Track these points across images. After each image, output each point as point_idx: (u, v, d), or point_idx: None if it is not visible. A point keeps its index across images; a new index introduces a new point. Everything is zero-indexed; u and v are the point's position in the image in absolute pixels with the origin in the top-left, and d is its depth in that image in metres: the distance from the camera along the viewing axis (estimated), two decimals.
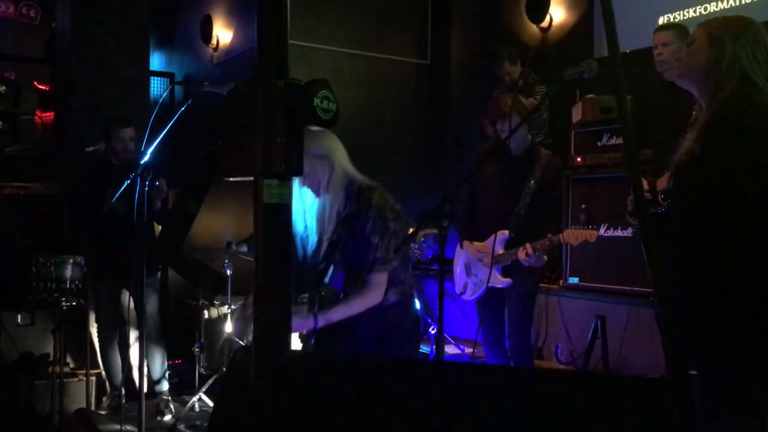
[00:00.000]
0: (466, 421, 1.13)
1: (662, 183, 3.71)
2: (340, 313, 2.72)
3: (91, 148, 4.32)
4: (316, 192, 2.82)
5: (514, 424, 1.14)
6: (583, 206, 4.24)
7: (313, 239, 2.85)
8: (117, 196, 2.99)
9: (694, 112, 3.47)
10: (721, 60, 2.12)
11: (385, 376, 1.24)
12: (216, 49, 7.29)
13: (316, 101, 1.29)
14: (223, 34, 7.20)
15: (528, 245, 3.80)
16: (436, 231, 2.40)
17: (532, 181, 3.90)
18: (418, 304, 5.26)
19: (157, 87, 8.39)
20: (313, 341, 2.93)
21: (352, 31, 6.85)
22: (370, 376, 1.23)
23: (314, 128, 2.71)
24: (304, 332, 2.89)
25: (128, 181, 2.85)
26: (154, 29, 8.52)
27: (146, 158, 2.80)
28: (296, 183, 2.85)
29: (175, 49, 8.39)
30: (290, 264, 1.04)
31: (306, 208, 2.79)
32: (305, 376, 1.21)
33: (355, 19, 6.93)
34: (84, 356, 4.80)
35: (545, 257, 3.91)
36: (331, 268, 2.79)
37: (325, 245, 2.81)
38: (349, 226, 2.76)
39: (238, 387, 1.28)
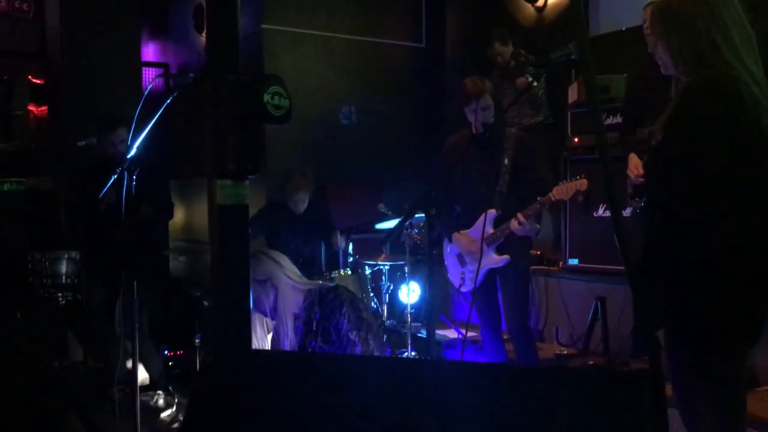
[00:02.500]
0: (443, 420, 1.11)
1: None
2: None
3: (83, 143, 4.27)
4: (266, 315, 2.85)
5: (491, 422, 1.12)
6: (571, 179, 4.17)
7: None
8: (104, 191, 2.96)
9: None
10: (676, 44, 2.01)
11: (359, 374, 1.22)
12: None
13: (267, 97, 1.24)
14: None
15: (519, 214, 3.77)
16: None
17: (507, 160, 3.87)
18: (417, 292, 5.27)
19: (152, 78, 8.33)
20: None
21: (345, 16, 6.78)
22: (347, 375, 1.21)
23: (252, 256, 2.77)
24: None
25: (115, 176, 2.81)
26: (148, 20, 8.45)
27: (133, 152, 2.75)
28: None
29: (169, 39, 8.32)
30: (247, 268, 1.00)
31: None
32: (279, 374, 1.19)
33: (348, 3, 6.85)
34: (86, 350, 4.79)
35: (538, 225, 3.88)
36: None
37: None
38: (321, 334, 2.78)
39: (208, 394, 1.26)
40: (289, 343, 2.84)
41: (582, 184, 3.74)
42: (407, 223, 4.92)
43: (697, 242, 1.93)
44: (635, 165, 3.72)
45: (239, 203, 0.98)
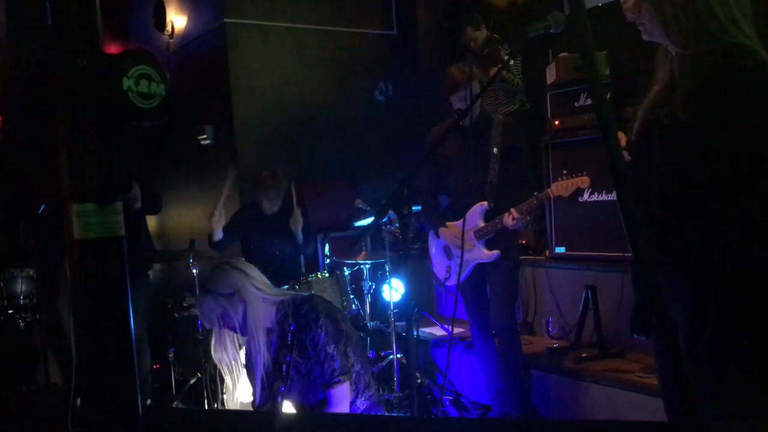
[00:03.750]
0: None
1: None
2: None
3: None
4: (236, 331, 2.64)
5: None
6: (564, 172, 3.99)
7: (253, 383, 2.67)
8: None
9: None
10: (669, 10, 1.81)
11: None
12: (171, 35, 6.94)
13: (128, 83, 0.95)
14: (177, 19, 6.85)
15: (512, 210, 3.60)
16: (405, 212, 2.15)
17: (495, 149, 3.68)
18: (400, 291, 5.05)
19: None
20: None
21: (311, 5, 6.52)
22: None
23: (217, 267, 2.64)
24: None
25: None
26: (108, 21, 8.15)
27: None
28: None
29: (131, 40, 8.03)
30: (127, 313, 0.77)
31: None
32: None
33: None
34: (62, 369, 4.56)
35: (528, 218, 3.71)
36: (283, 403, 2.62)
37: (267, 382, 2.63)
38: (297, 347, 2.58)
39: None
40: (262, 360, 2.62)
41: (584, 181, 3.57)
42: (386, 219, 4.71)
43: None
44: (623, 145, 3.52)
45: (107, 235, 0.73)
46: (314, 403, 2.59)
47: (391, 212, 4.15)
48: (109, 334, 0.72)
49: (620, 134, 3.53)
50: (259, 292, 2.63)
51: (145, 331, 4.45)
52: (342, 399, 2.55)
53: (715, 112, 1.71)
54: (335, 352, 2.54)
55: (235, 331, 2.63)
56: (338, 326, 2.59)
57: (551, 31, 1.99)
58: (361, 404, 2.63)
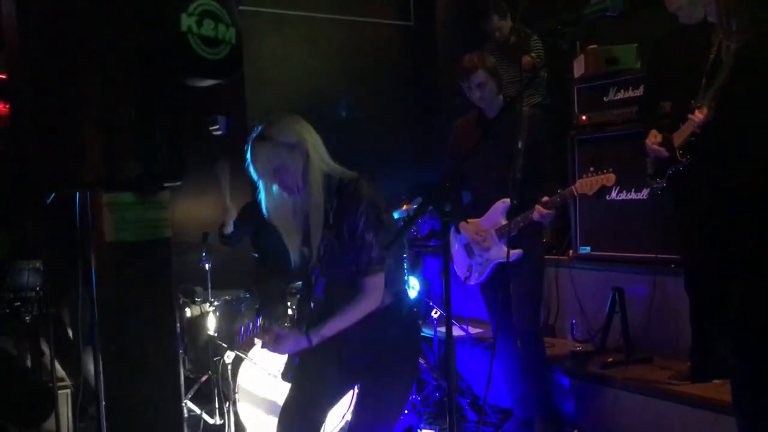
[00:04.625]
0: None
1: (680, 137, 3.30)
2: (334, 326, 2.38)
3: None
4: (291, 190, 2.43)
5: None
6: (591, 169, 3.84)
7: (294, 249, 2.52)
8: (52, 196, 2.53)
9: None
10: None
11: None
12: None
13: (188, 22, 0.70)
14: None
15: (538, 206, 3.45)
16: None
17: (520, 143, 3.53)
18: (416, 288, 4.89)
19: None
20: (297, 360, 2.55)
21: None
22: None
23: (279, 116, 2.48)
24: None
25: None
26: None
27: None
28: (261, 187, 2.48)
29: None
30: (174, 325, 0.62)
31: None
32: None
33: None
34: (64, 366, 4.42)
35: (553, 212, 3.56)
36: (320, 279, 2.48)
37: (314, 253, 2.47)
38: (335, 227, 2.41)
39: None
40: (316, 224, 2.45)
41: (609, 178, 3.41)
42: (404, 213, 4.55)
43: None
44: (653, 135, 3.35)
45: (152, 237, 0.56)
46: (346, 285, 2.43)
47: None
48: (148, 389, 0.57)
49: (653, 132, 3.38)
50: (317, 154, 2.46)
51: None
52: (375, 290, 2.39)
53: None
54: (374, 241, 2.37)
55: (288, 189, 2.43)
56: (379, 216, 2.41)
57: (608, 14, 1.82)
58: (386, 299, 2.46)
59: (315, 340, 2.37)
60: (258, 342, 2.59)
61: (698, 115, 3.01)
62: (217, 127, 6.27)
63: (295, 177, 2.40)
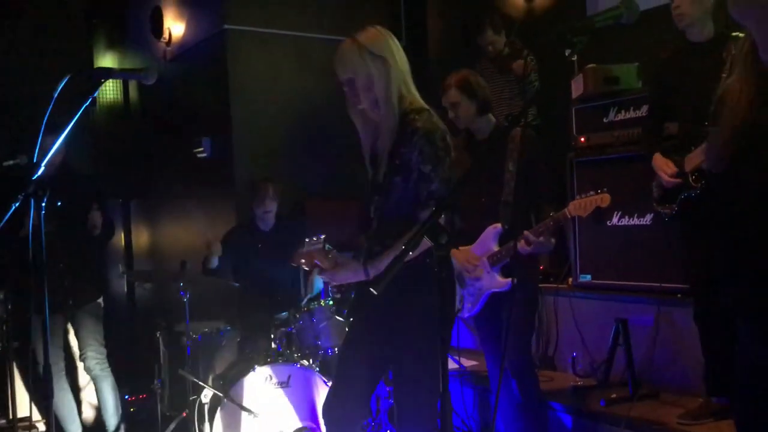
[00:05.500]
0: None
1: (692, 162, 3.10)
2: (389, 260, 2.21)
3: (10, 162, 3.66)
4: (365, 101, 2.38)
5: None
6: (591, 193, 3.66)
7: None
8: (5, 221, 2.32)
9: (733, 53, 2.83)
10: None
11: None
12: (168, 43, 6.58)
13: None
14: (175, 26, 6.50)
15: (526, 233, 3.23)
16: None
17: (511, 165, 3.32)
18: None
19: (110, 90, 7.70)
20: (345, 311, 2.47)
21: (317, 13, 6.16)
22: None
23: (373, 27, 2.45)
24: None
25: (16, 204, 2.16)
26: (104, 27, 7.82)
27: (40, 172, 2.14)
28: None
29: (128, 48, 7.68)
30: None
31: None
32: None
33: (321, 1, 6.24)
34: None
35: (553, 240, 3.31)
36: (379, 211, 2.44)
37: (379, 179, 2.42)
38: (396, 157, 2.33)
39: None
40: (388, 138, 2.42)
41: (604, 199, 3.20)
42: None
43: None
44: (666, 165, 3.16)
45: None
46: (405, 219, 2.34)
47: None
48: None
49: (664, 161, 3.17)
50: (400, 73, 2.39)
51: (103, 361, 4.24)
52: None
53: None
54: (432, 174, 2.28)
55: (362, 101, 2.39)
56: (437, 152, 2.30)
57: (622, 22, 1.62)
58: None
59: (372, 272, 2.33)
60: (317, 262, 2.48)
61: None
62: (202, 149, 6.09)
63: (375, 88, 2.34)
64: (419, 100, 2.41)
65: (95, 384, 4.24)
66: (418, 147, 2.28)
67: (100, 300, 4.24)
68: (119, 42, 7.72)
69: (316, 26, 6.14)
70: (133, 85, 7.54)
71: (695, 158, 3.00)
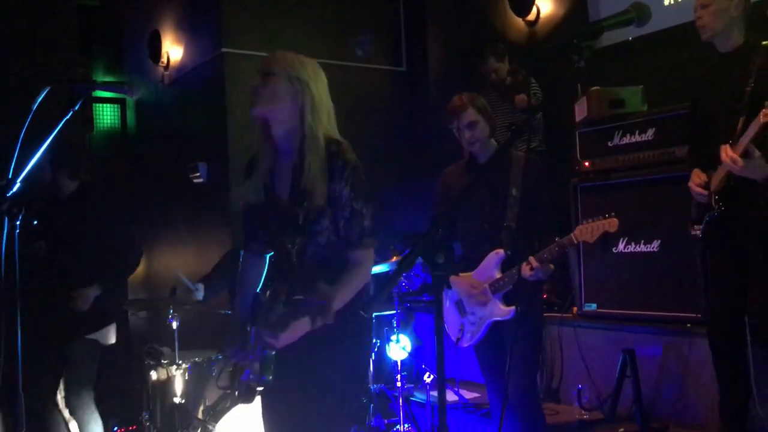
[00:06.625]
0: None
1: (715, 181, 2.95)
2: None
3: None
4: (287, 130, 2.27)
5: None
6: (598, 217, 3.54)
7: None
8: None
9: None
10: None
11: None
12: (167, 67, 6.53)
13: None
14: (173, 50, 6.45)
15: (531, 258, 3.10)
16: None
17: (514, 189, 3.19)
18: (407, 347, 4.50)
19: (108, 114, 7.63)
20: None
21: (318, 39, 6.11)
22: None
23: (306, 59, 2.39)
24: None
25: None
26: (102, 52, 7.78)
27: (15, 188, 2.02)
28: None
29: (125, 72, 7.64)
30: None
31: None
32: None
33: (320, 25, 6.20)
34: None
35: (551, 266, 3.18)
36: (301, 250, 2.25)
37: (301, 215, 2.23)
38: (319, 198, 2.19)
39: None
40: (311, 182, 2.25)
41: (612, 224, 3.06)
42: (394, 266, 4.20)
43: None
44: (696, 175, 2.99)
45: None
46: (335, 264, 2.19)
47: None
48: None
49: (696, 171, 3.02)
50: (323, 107, 2.31)
51: (91, 399, 3.90)
52: (367, 262, 2.20)
53: None
54: (364, 210, 2.18)
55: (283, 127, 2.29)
56: (364, 186, 2.21)
57: (634, 25, 1.51)
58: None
59: (320, 322, 2.11)
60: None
61: (728, 156, 2.70)
62: (198, 174, 5.99)
63: (294, 111, 2.27)
64: (336, 134, 2.34)
65: (79, 426, 3.92)
66: (350, 181, 2.19)
67: (98, 335, 3.83)
68: (117, 67, 7.68)
69: (314, 51, 6.04)
70: (130, 110, 7.48)
71: (716, 178, 2.88)
